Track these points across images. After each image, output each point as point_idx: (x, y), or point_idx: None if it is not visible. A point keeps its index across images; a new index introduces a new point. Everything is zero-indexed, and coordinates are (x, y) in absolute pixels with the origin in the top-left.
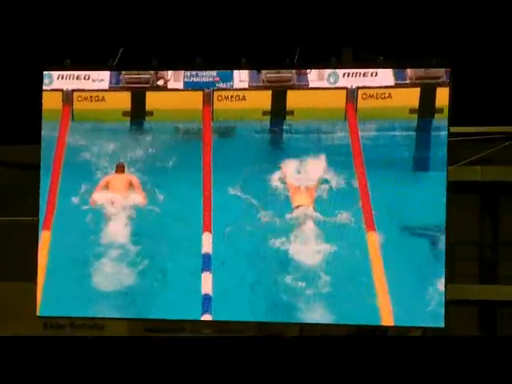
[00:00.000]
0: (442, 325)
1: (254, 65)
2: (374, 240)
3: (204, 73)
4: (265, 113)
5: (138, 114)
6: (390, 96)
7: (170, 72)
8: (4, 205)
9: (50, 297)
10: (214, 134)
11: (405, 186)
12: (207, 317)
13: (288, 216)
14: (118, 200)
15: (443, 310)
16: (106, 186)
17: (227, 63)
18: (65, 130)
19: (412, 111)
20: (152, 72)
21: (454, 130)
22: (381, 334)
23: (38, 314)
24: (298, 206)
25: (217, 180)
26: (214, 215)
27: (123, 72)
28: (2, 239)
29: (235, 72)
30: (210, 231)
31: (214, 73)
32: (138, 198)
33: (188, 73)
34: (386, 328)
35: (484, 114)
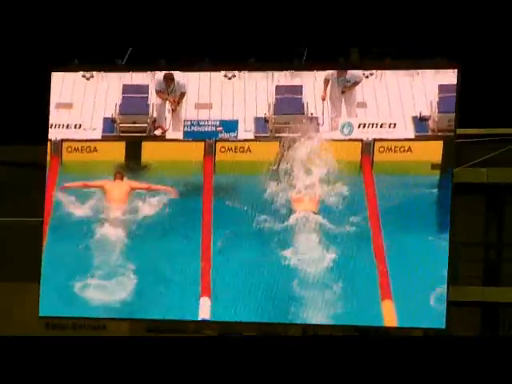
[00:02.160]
0: (444, 326)
1: (263, 64)
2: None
3: (206, 122)
4: (271, 166)
5: (133, 166)
6: (409, 149)
7: (168, 121)
8: (9, 204)
9: (50, 297)
10: (215, 190)
11: (426, 250)
12: None
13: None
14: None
15: (445, 312)
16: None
17: (235, 63)
18: (52, 184)
19: (434, 167)
20: (149, 121)
21: (460, 131)
22: (382, 335)
23: (39, 314)
24: None
25: (217, 240)
26: (212, 278)
27: (118, 121)
28: (8, 239)
29: (240, 121)
30: (209, 296)
31: (217, 122)
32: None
33: (188, 122)
34: (388, 329)
35: (490, 116)
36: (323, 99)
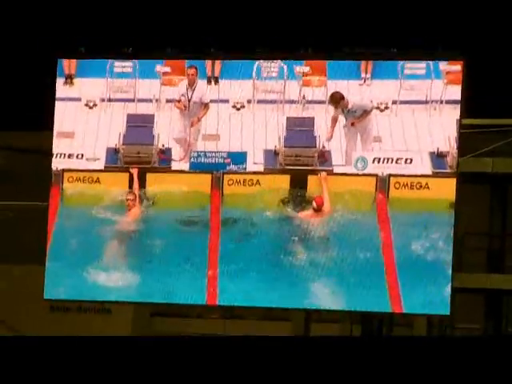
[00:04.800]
0: (448, 313)
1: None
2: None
3: (213, 153)
4: (281, 201)
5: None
6: (426, 186)
7: (173, 151)
8: (15, 189)
9: (56, 280)
10: (222, 224)
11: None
12: None
13: None
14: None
15: (449, 299)
16: None
17: (243, 52)
18: (53, 216)
19: (452, 205)
20: (154, 151)
21: (465, 121)
22: (383, 336)
23: (44, 297)
24: None
25: (224, 276)
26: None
27: (121, 151)
28: (14, 223)
29: (249, 154)
30: None
31: (225, 154)
32: None
33: (195, 153)
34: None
35: (496, 107)
36: (328, 140)
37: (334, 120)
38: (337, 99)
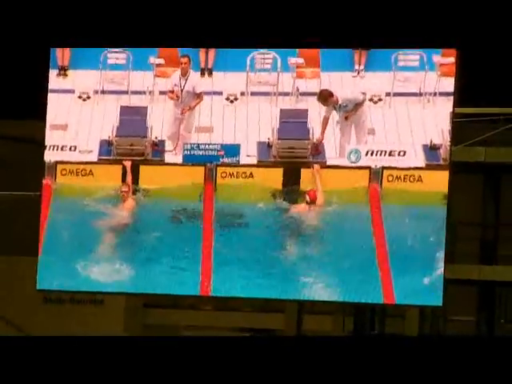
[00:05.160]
0: (440, 303)
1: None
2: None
3: (207, 146)
4: (275, 194)
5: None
6: (419, 179)
7: (166, 143)
8: (7, 179)
9: (49, 271)
10: (216, 216)
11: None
12: None
13: None
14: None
15: (442, 290)
16: None
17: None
18: (46, 209)
19: (445, 197)
20: (147, 143)
21: (458, 110)
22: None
23: (37, 287)
24: None
25: (218, 268)
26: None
27: (114, 143)
28: (6, 213)
29: (242, 146)
30: None
31: (218, 146)
32: None
33: (188, 145)
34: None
35: (489, 96)
36: (320, 141)
37: (326, 120)
38: (325, 96)
